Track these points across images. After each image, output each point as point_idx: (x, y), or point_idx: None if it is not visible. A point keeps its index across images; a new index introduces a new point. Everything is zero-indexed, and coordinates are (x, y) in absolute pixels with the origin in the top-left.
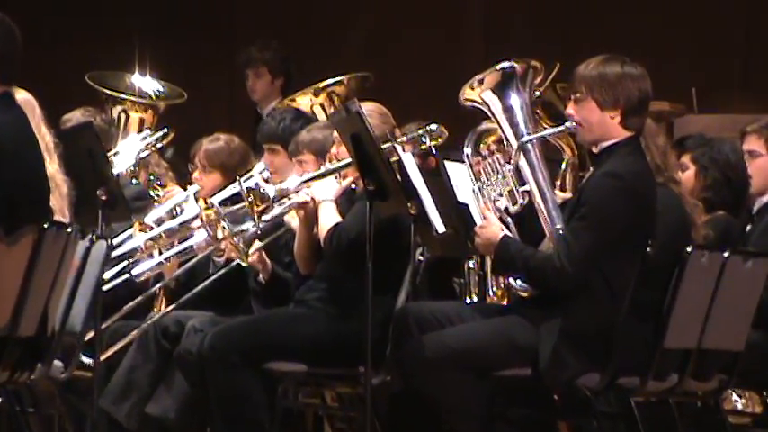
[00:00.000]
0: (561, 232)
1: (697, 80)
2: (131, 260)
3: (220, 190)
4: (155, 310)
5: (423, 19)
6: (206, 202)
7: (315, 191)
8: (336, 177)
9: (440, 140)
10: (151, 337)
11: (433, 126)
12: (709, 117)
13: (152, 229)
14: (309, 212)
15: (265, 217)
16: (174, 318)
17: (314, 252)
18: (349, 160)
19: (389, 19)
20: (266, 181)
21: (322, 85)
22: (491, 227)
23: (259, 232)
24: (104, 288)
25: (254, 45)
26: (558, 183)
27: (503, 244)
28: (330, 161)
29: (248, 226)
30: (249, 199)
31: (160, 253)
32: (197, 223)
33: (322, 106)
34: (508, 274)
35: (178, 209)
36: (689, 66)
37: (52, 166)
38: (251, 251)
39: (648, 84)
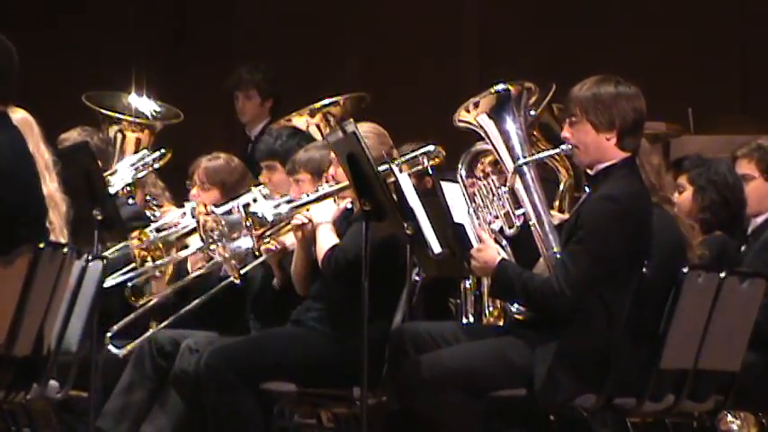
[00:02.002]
0: (559, 256)
1: (693, 101)
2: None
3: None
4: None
5: (418, 40)
6: (205, 208)
7: (313, 213)
8: (335, 199)
9: (437, 161)
10: (147, 356)
11: (431, 147)
12: (705, 138)
13: (149, 239)
14: (307, 235)
15: (264, 240)
16: (170, 337)
17: (311, 273)
18: (346, 183)
19: (385, 41)
20: (265, 197)
21: (318, 105)
22: (488, 250)
23: (257, 254)
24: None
25: (244, 67)
26: (556, 203)
27: (501, 268)
28: (327, 181)
29: (244, 245)
30: (248, 224)
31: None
32: (193, 237)
33: (318, 127)
34: (506, 298)
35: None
36: (685, 86)
37: (51, 185)
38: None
39: (643, 102)
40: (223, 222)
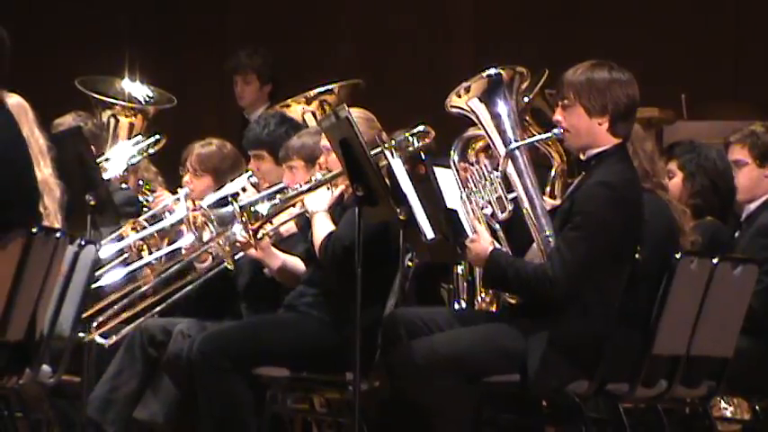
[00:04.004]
0: (553, 242)
1: (687, 87)
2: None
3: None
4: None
5: (412, 26)
6: (194, 204)
7: (307, 203)
8: (329, 187)
9: (427, 140)
10: (137, 345)
11: (420, 127)
12: (698, 124)
13: (144, 227)
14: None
15: (260, 234)
16: (161, 325)
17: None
18: (339, 170)
19: (379, 26)
20: (254, 186)
21: (313, 92)
22: (481, 240)
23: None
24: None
25: (243, 51)
26: (548, 189)
27: (493, 258)
28: (320, 168)
29: (236, 230)
30: (243, 219)
31: (150, 252)
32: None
33: (313, 114)
34: (499, 288)
35: (167, 213)
36: (679, 72)
37: (45, 170)
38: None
39: (636, 89)
40: (213, 217)
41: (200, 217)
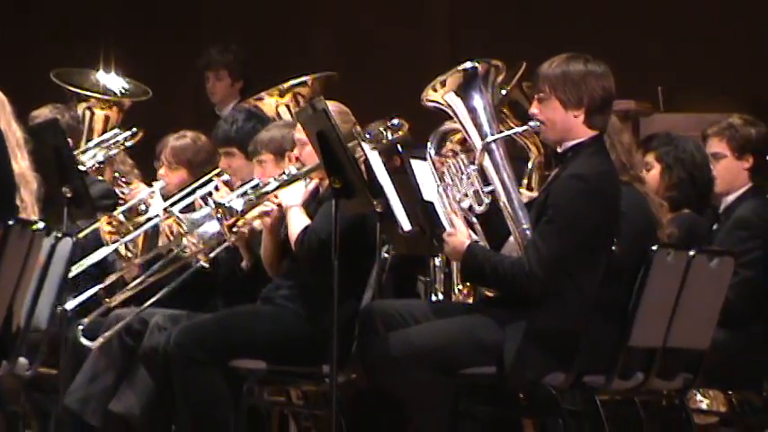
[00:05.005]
0: (529, 236)
1: (664, 79)
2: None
3: (185, 187)
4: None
5: (387, 18)
6: (165, 211)
7: (282, 197)
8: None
9: (401, 133)
10: (114, 335)
11: (395, 120)
12: (675, 116)
13: (120, 223)
14: (275, 220)
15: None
16: (138, 315)
17: (281, 255)
18: (314, 164)
19: (353, 19)
20: (226, 184)
21: (287, 85)
22: (458, 235)
23: (229, 242)
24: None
25: (215, 47)
26: (525, 181)
27: (470, 252)
28: (291, 162)
29: (211, 230)
30: (218, 215)
31: (127, 249)
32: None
33: (287, 107)
34: (477, 282)
35: (143, 206)
36: (656, 64)
37: (22, 163)
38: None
39: (612, 82)
40: (185, 223)
41: (174, 223)
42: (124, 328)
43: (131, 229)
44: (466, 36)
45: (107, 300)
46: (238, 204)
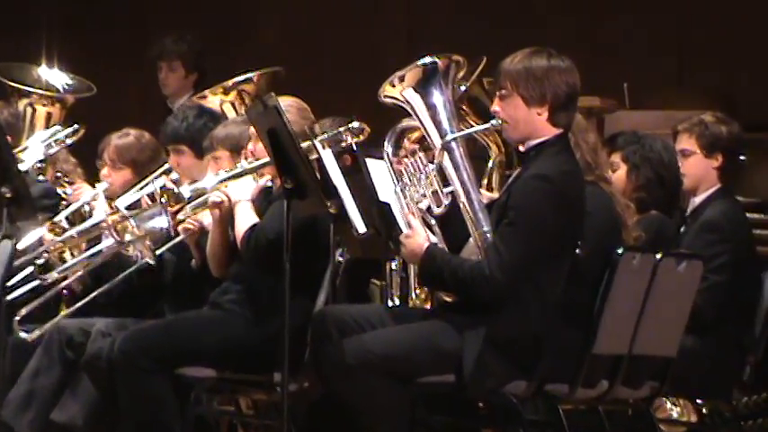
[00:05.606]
0: (490, 239)
1: (629, 75)
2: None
3: (131, 187)
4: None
5: (342, 10)
6: (111, 207)
7: (231, 190)
8: (254, 176)
9: (361, 138)
10: (55, 346)
11: (355, 123)
12: (641, 113)
13: (63, 230)
14: (225, 212)
15: (180, 217)
16: (78, 326)
17: (228, 253)
18: (267, 159)
19: (308, 9)
20: (174, 183)
21: (231, 82)
22: (416, 236)
23: (172, 233)
24: (14, 294)
25: (169, 37)
26: (485, 182)
27: (429, 254)
28: (246, 158)
29: (157, 224)
30: (163, 199)
31: (72, 256)
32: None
33: (232, 104)
34: (435, 287)
35: (87, 207)
36: (621, 60)
37: None
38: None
39: (576, 77)
40: (132, 221)
41: (119, 219)
42: (66, 340)
43: (75, 236)
44: (423, 29)
45: (42, 276)
46: (185, 191)
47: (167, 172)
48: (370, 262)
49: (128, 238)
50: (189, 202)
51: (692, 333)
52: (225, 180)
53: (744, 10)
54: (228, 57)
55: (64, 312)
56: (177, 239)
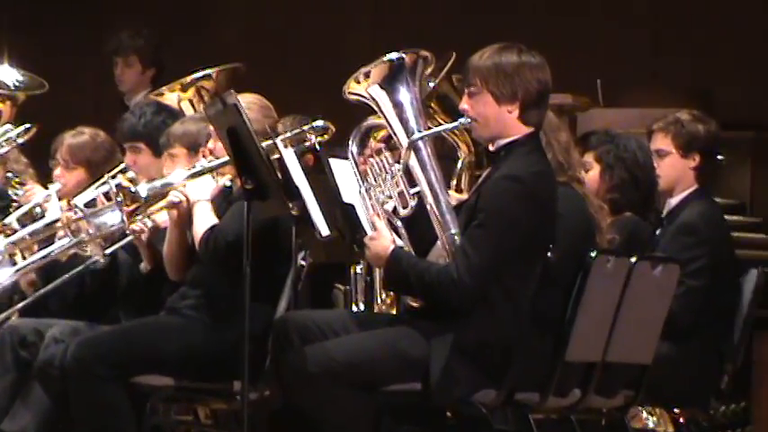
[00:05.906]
0: (458, 241)
1: (602, 72)
2: None
3: (85, 188)
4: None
5: (305, 4)
6: (68, 204)
7: (189, 190)
8: (213, 176)
9: (325, 137)
10: (8, 348)
11: (319, 122)
12: (615, 111)
13: (14, 231)
14: (182, 213)
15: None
16: (32, 326)
17: (186, 256)
18: (227, 158)
19: (266, 7)
20: (131, 181)
21: (189, 79)
22: (381, 239)
23: (127, 232)
24: None
25: (126, 32)
26: (454, 183)
27: (394, 257)
28: (204, 156)
29: (111, 222)
30: (119, 198)
31: (23, 257)
32: (60, 225)
33: (191, 101)
34: (401, 291)
35: (39, 209)
36: (594, 56)
37: None
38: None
39: (548, 73)
40: (88, 215)
41: (74, 219)
42: (18, 340)
43: (27, 237)
44: (389, 23)
45: None
46: (143, 190)
47: (124, 171)
48: (333, 266)
49: (83, 237)
50: (146, 201)
51: (669, 340)
52: (185, 179)
53: (719, 5)
54: (189, 51)
55: (10, 311)
56: (126, 240)
